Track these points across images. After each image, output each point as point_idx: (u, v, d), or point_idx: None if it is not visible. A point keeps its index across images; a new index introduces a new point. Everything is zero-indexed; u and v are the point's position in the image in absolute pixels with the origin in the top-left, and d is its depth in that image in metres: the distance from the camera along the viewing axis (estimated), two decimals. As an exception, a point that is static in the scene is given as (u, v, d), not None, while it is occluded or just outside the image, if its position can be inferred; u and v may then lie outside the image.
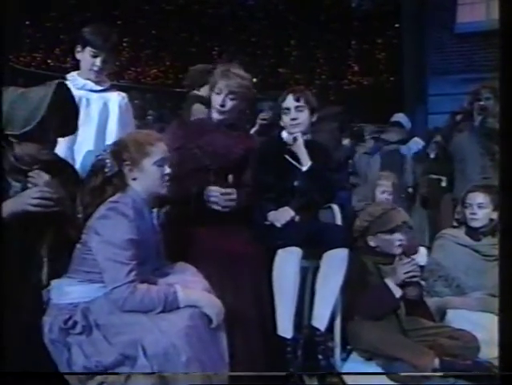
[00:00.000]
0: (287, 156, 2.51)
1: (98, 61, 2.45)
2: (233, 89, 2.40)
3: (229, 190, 2.34)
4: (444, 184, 3.85)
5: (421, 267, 2.80)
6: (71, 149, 2.40)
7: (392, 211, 2.60)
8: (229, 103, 2.42)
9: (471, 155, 3.43)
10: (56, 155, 2.11)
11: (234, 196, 2.34)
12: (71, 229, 1.90)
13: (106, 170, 1.92)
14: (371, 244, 2.58)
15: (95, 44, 2.44)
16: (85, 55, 2.47)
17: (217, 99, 2.43)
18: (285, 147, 2.53)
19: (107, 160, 1.93)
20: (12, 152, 1.94)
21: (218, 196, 2.32)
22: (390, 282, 2.42)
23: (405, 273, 2.41)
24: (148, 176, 1.93)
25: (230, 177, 2.40)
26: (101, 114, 2.48)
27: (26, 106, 1.93)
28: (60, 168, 2.04)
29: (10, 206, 1.86)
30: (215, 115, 2.46)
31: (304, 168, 2.47)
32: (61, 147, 2.22)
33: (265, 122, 3.65)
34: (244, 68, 2.50)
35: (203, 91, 3.35)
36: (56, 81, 2.01)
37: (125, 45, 8.77)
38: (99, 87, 2.51)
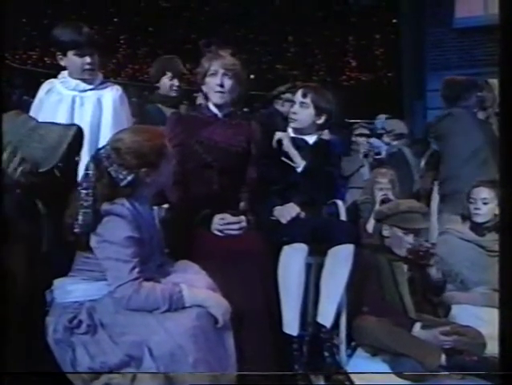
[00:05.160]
0: (283, 158, 2.48)
1: (88, 58, 2.35)
2: (228, 67, 2.30)
3: (236, 219, 2.24)
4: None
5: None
6: None
7: (417, 214, 2.57)
8: (228, 83, 2.31)
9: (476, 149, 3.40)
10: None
11: (244, 225, 2.24)
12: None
13: (117, 179, 1.80)
14: (385, 233, 2.57)
15: (76, 44, 2.32)
16: (71, 58, 2.36)
17: (214, 81, 2.31)
18: (279, 148, 2.50)
19: (114, 168, 1.80)
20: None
21: (225, 225, 2.22)
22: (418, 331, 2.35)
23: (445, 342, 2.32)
24: (163, 176, 1.88)
25: (242, 204, 2.35)
26: (95, 110, 2.39)
27: (42, 145, 1.83)
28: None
29: None
30: (215, 99, 2.34)
31: (299, 169, 2.45)
32: None
33: (283, 96, 3.46)
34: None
35: (163, 84, 3.16)
36: (75, 126, 1.94)
37: (122, 42, 8.75)
38: (92, 86, 2.42)
